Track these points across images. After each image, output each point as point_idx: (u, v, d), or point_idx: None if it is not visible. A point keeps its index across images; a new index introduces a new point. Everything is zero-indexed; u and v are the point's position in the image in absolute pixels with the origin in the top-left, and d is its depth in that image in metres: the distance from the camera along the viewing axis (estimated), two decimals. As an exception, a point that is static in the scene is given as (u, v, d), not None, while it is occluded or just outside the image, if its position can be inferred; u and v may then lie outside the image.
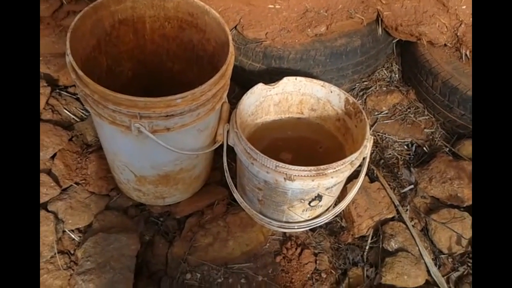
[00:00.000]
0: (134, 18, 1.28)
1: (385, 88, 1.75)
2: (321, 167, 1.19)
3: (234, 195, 1.39)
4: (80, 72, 1.02)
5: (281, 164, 1.18)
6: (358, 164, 1.27)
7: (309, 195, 1.29)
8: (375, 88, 1.76)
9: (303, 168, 1.18)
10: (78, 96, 1.72)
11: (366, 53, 1.62)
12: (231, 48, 1.15)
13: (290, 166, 1.18)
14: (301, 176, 1.19)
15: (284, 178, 1.20)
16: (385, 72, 1.81)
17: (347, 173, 1.25)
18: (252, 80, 1.54)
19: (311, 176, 1.19)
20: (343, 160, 1.21)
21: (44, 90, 1.62)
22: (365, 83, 1.78)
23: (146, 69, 1.45)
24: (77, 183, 1.54)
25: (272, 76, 1.60)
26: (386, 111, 1.73)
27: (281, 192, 1.27)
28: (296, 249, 1.39)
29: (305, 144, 1.57)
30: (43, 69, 1.66)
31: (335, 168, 1.21)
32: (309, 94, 1.48)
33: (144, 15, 1.29)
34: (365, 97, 1.75)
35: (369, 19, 1.56)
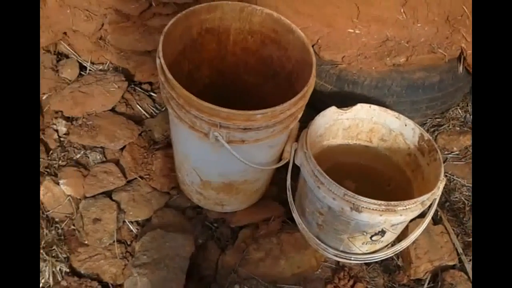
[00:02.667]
0: (220, 29, 1.32)
1: (458, 128, 1.69)
2: (392, 203, 1.16)
3: (293, 215, 1.39)
4: (169, 75, 1.06)
5: (350, 193, 1.16)
6: (428, 204, 1.23)
7: (373, 229, 1.26)
8: (448, 126, 1.70)
9: (372, 201, 1.15)
10: (153, 94, 1.80)
11: (443, 90, 1.57)
12: (314, 71, 1.16)
13: (360, 197, 1.16)
14: (370, 209, 1.16)
15: (351, 208, 1.18)
16: (460, 111, 1.74)
17: (416, 213, 1.21)
18: (322, 101, 1.54)
19: (380, 210, 1.16)
20: (415, 200, 1.17)
21: (122, 84, 1.70)
22: (438, 119, 1.72)
23: (223, 79, 1.49)
24: (141, 177, 1.59)
25: (342, 99, 1.58)
26: (457, 152, 1.67)
27: (344, 221, 1.25)
28: (348, 280, 1.36)
29: (371, 174, 1.53)
30: (123, 64, 1.75)
31: (405, 206, 1.17)
32: (381, 124, 1.45)
33: (230, 26, 1.32)
34: (436, 134, 1.69)
35: (452, 56, 1.51)
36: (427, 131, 1.70)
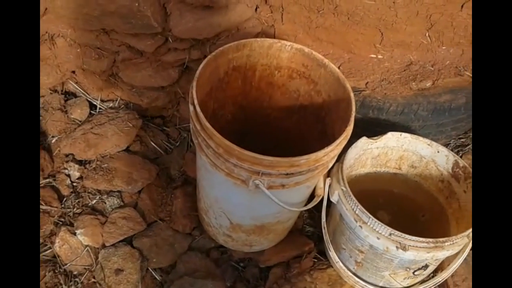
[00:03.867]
0: (247, 66, 1.26)
1: (483, 147, 1.66)
2: (440, 240, 1.11)
3: (329, 253, 1.33)
4: (207, 124, 1.00)
5: (396, 232, 1.11)
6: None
7: (417, 264, 1.21)
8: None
9: (420, 239, 1.10)
10: (166, 128, 1.73)
11: (469, 111, 1.54)
12: (354, 107, 1.11)
13: (407, 236, 1.11)
14: (417, 247, 1.12)
15: (397, 247, 1.13)
16: (483, 129, 1.72)
17: (462, 245, 1.17)
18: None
19: (428, 248, 1.12)
20: (463, 234, 1.13)
21: (136, 122, 1.62)
22: (462, 140, 1.69)
23: (245, 113, 1.43)
24: (161, 220, 1.52)
25: (367, 125, 1.54)
26: (483, 172, 1.64)
27: (387, 259, 1.20)
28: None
29: (401, 201, 1.49)
30: (135, 100, 1.67)
31: (453, 241, 1.13)
32: (412, 151, 1.41)
33: (257, 63, 1.27)
34: (460, 154, 1.66)
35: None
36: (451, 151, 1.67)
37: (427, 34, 1.41)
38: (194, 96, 1.03)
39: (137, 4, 1.28)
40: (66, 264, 1.40)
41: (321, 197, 1.28)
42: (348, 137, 1.09)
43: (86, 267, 1.41)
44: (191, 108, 1.04)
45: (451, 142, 1.70)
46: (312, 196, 1.26)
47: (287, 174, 1.03)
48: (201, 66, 1.08)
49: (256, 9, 1.42)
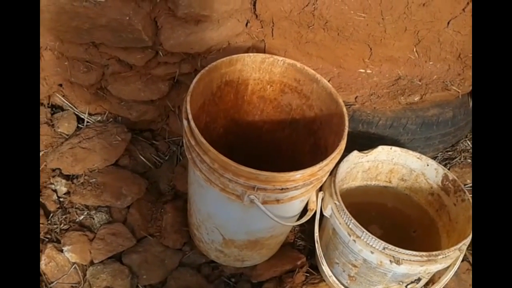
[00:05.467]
0: (239, 80, 1.27)
1: (469, 160, 1.69)
2: (433, 253, 1.12)
3: (323, 267, 1.32)
4: (202, 139, 0.99)
5: (390, 246, 1.12)
6: (465, 249, 1.20)
7: (410, 278, 1.21)
8: (460, 159, 1.70)
9: (414, 253, 1.11)
10: (155, 142, 1.71)
11: (456, 125, 1.58)
12: (347, 122, 1.11)
13: (400, 250, 1.11)
14: (411, 260, 1.12)
15: (391, 261, 1.13)
16: (469, 143, 1.75)
17: (454, 258, 1.18)
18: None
19: (421, 261, 1.12)
20: (455, 247, 1.14)
21: (125, 136, 1.60)
22: (449, 153, 1.73)
23: (237, 127, 1.43)
24: (151, 235, 1.49)
25: (357, 139, 1.56)
26: (470, 184, 1.67)
27: (381, 273, 1.20)
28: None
29: (391, 214, 1.50)
30: (124, 114, 1.65)
31: (445, 255, 1.14)
32: (402, 164, 1.43)
33: (249, 77, 1.27)
34: (448, 167, 1.69)
35: (464, 92, 1.53)
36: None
37: (414, 50, 1.44)
38: (189, 111, 1.02)
39: (128, 18, 1.28)
40: (52, 283, 1.35)
41: (314, 211, 1.27)
42: (342, 151, 1.10)
43: (74, 285, 1.37)
44: (185, 123, 1.03)
45: (438, 155, 1.73)
46: (305, 211, 1.25)
47: (282, 189, 1.03)
48: (194, 80, 1.08)
49: (246, 24, 1.43)
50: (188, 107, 1.03)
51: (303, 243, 1.57)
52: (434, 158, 1.72)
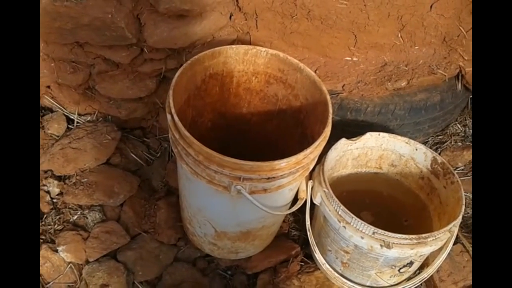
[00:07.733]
0: (224, 73, 1.27)
1: (460, 144, 1.70)
2: (423, 235, 1.13)
3: (316, 255, 1.33)
4: (185, 133, 1.00)
5: (379, 230, 1.12)
6: (455, 230, 1.21)
7: (402, 262, 1.22)
8: (450, 142, 1.70)
9: (404, 236, 1.12)
10: (146, 139, 1.71)
11: (444, 108, 1.58)
12: (331, 109, 1.12)
13: (390, 234, 1.12)
14: (401, 244, 1.13)
15: (381, 245, 1.14)
16: (459, 126, 1.75)
17: (445, 240, 1.19)
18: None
19: (411, 244, 1.13)
20: (444, 228, 1.15)
21: (115, 135, 1.60)
22: (439, 137, 1.73)
23: (225, 120, 1.43)
24: (146, 232, 1.50)
25: (346, 127, 1.56)
26: (462, 167, 1.67)
27: (373, 258, 1.21)
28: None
29: (383, 200, 1.51)
30: (113, 112, 1.65)
31: (435, 236, 1.15)
32: (391, 150, 1.43)
33: (234, 69, 1.27)
34: (439, 151, 1.69)
35: (451, 75, 1.53)
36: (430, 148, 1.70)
37: (399, 35, 1.44)
38: (171, 105, 1.02)
39: (110, 16, 1.28)
40: (49, 283, 1.36)
41: (304, 199, 1.28)
42: (327, 138, 1.10)
43: (70, 284, 1.38)
44: (168, 117, 1.04)
45: (429, 139, 1.73)
46: (295, 199, 1.26)
47: (268, 178, 1.04)
48: (176, 74, 1.08)
49: (230, 17, 1.43)
50: (171, 101, 1.03)
51: (297, 233, 1.57)
52: (424, 142, 1.72)
